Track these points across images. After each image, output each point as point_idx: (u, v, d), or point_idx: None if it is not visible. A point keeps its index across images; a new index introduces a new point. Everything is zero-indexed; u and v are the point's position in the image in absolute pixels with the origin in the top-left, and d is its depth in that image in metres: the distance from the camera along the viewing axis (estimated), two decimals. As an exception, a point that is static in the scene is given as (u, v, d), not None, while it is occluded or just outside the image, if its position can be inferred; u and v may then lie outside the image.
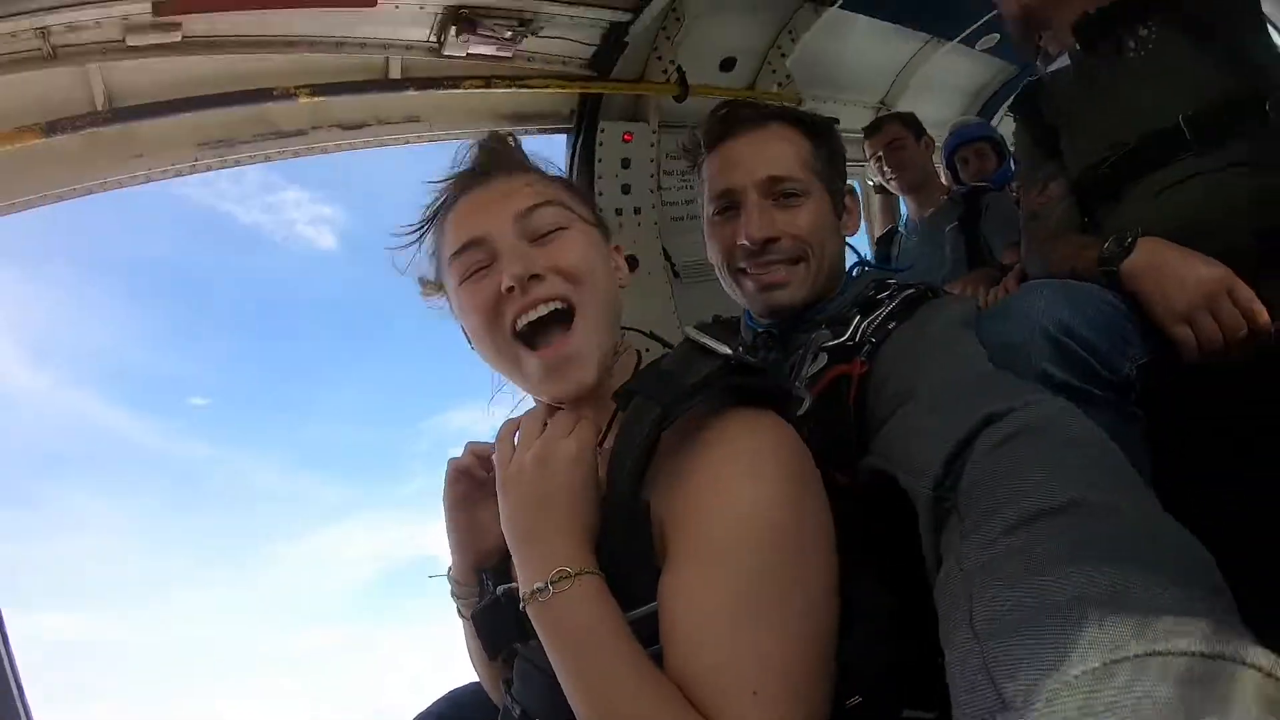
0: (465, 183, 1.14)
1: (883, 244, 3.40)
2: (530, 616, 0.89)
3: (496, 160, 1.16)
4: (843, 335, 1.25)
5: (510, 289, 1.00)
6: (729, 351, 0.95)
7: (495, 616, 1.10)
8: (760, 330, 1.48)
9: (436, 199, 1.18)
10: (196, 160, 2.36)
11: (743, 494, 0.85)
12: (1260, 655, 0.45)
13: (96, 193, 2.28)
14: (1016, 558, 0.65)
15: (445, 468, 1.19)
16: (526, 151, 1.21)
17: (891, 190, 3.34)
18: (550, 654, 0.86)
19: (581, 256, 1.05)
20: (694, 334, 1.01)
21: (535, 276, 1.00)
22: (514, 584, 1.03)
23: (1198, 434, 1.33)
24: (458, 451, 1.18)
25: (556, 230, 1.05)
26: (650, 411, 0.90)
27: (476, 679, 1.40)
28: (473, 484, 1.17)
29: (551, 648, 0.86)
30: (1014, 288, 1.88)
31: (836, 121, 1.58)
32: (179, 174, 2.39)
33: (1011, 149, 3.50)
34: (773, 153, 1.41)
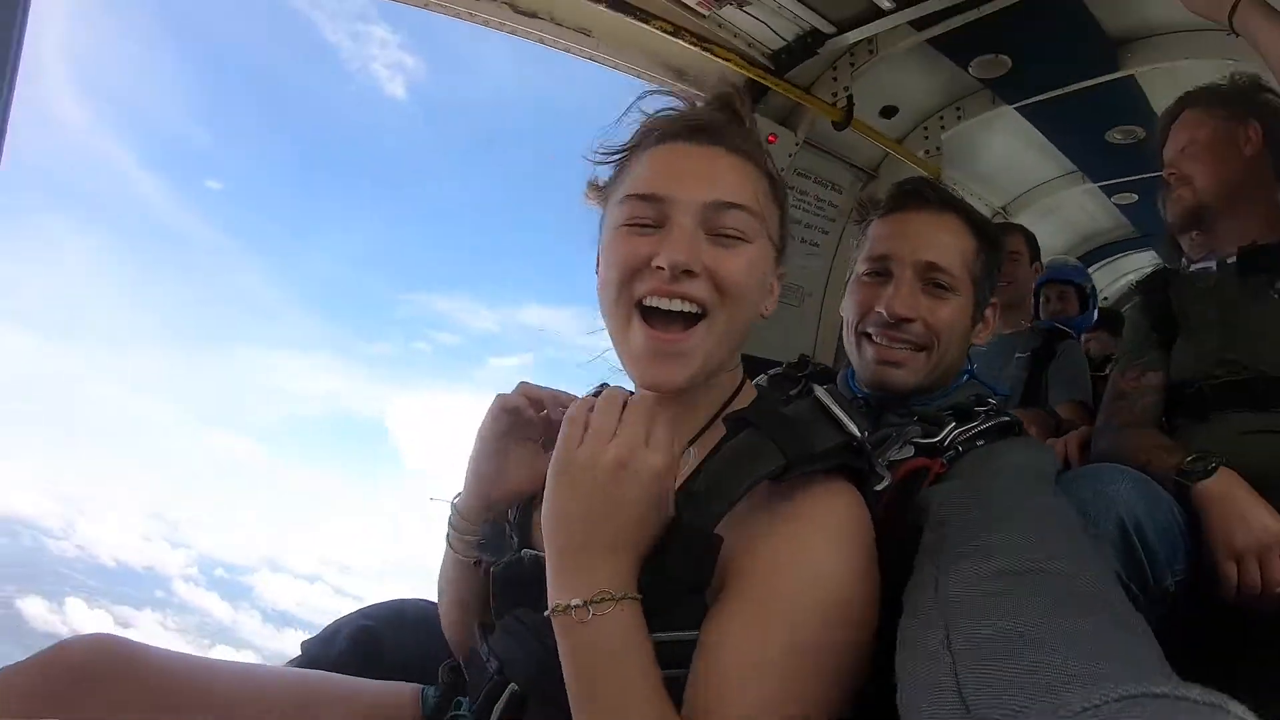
0: (681, 129, 1.07)
1: None
2: (556, 627, 0.86)
3: (724, 126, 1.09)
4: (934, 436, 1.27)
5: (660, 268, 0.96)
6: (857, 434, 0.94)
7: (517, 578, 1.08)
8: (858, 395, 1.50)
9: (647, 125, 1.11)
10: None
11: (820, 559, 0.87)
12: (1238, 707, 0.46)
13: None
14: (1000, 597, 0.68)
15: (491, 402, 1.14)
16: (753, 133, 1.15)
17: None
18: (568, 667, 0.85)
19: (745, 274, 1.01)
20: (825, 400, 0.99)
21: (689, 272, 0.96)
22: (541, 554, 0.99)
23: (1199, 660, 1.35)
24: (508, 390, 1.13)
25: (736, 238, 1.00)
26: (771, 460, 0.89)
27: (392, 599, 1.46)
28: (516, 423, 1.13)
29: (572, 663, 0.84)
30: (1075, 452, 1.89)
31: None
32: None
33: (1095, 297, 3.55)
34: (942, 241, 1.43)
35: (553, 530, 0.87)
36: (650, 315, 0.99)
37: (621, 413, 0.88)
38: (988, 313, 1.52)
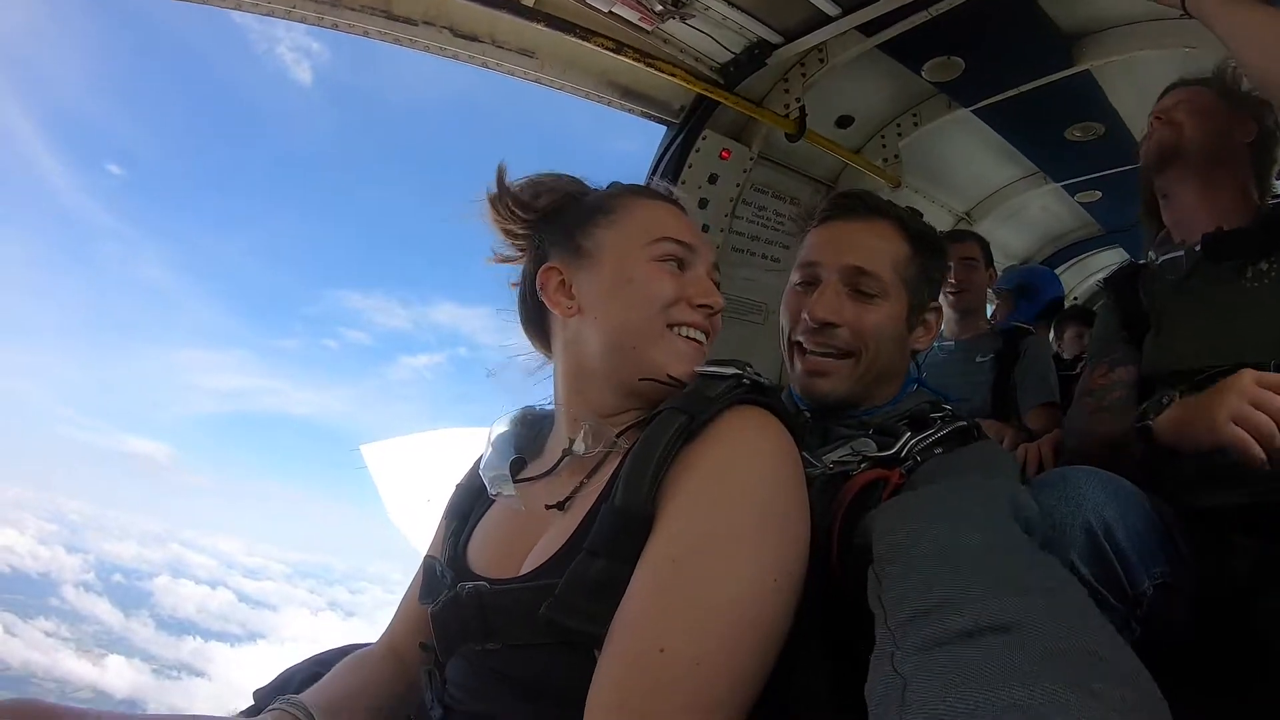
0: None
1: None
2: None
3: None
4: (890, 449, 1.28)
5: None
6: (738, 370, 1.06)
7: (457, 614, 1.06)
8: (803, 409, 1.49)
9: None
10: (294, 7, 2.18)
11: (732, 466, 0.94)
12: None
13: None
14: (952, 664, 0.67)
15: None
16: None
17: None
18: None
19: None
20: (700, 368, 1.09)
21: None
22: (479, 582, 1.05)
23: (1186, 661, 1.27)
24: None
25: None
26: (675, 419, 0.97)
27: (345, 644, 1.43)
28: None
29: None
30: (1049, 455, 1.87)
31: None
32: (271, 13, 2.20)
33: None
34: (869, 245, 1.45)
35: None
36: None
37: None
38: (929, 317, 1.51)
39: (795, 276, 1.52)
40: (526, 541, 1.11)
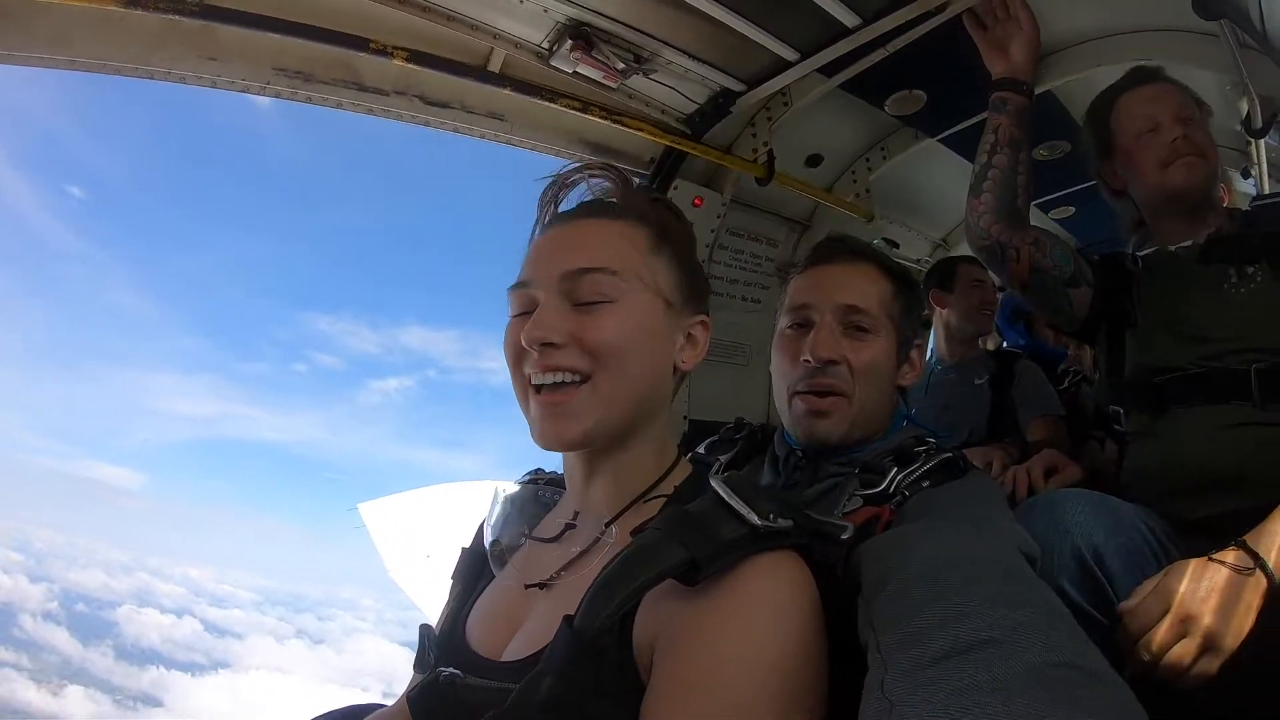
0: (549, 216, 1.17)
1: None
2: None
3: (592, 204, 1.17)
4: (878, 486, 1.30)
5: (527, 347, 1.03)
6: (758, 523, 0.90)
7: (434, 700, 1.04)
8: (795, 449, 1.52)
9: (537, 214, 1.20)
10: (268, 84, 2.23)
11: (749, 629, 0.83)
12: None
13: (158, 79, 2.15)
14: (936, 684, 0.68)
15: None
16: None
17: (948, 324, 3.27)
18: None
19: (614, 334, 1.03)
20: (723, 492, 0.94)
21: (551, 344, 1.02)
22: (454, 672, 1.03)
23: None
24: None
25: (600, 302, 1.03)
26: (673, 554, 0.86)
27: (347, 705, 1.41)
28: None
29: None
30: (1038, 478, 1.87)
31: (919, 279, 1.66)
32: (246, 89, 2.25)
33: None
34: (858, 285, 1.50)
35: None
36: (540, 391, 1.05)
37: None
38: (913, 354, 1.55)
39: (785, 322, 1.56)
40: (514, 619, 1.09)
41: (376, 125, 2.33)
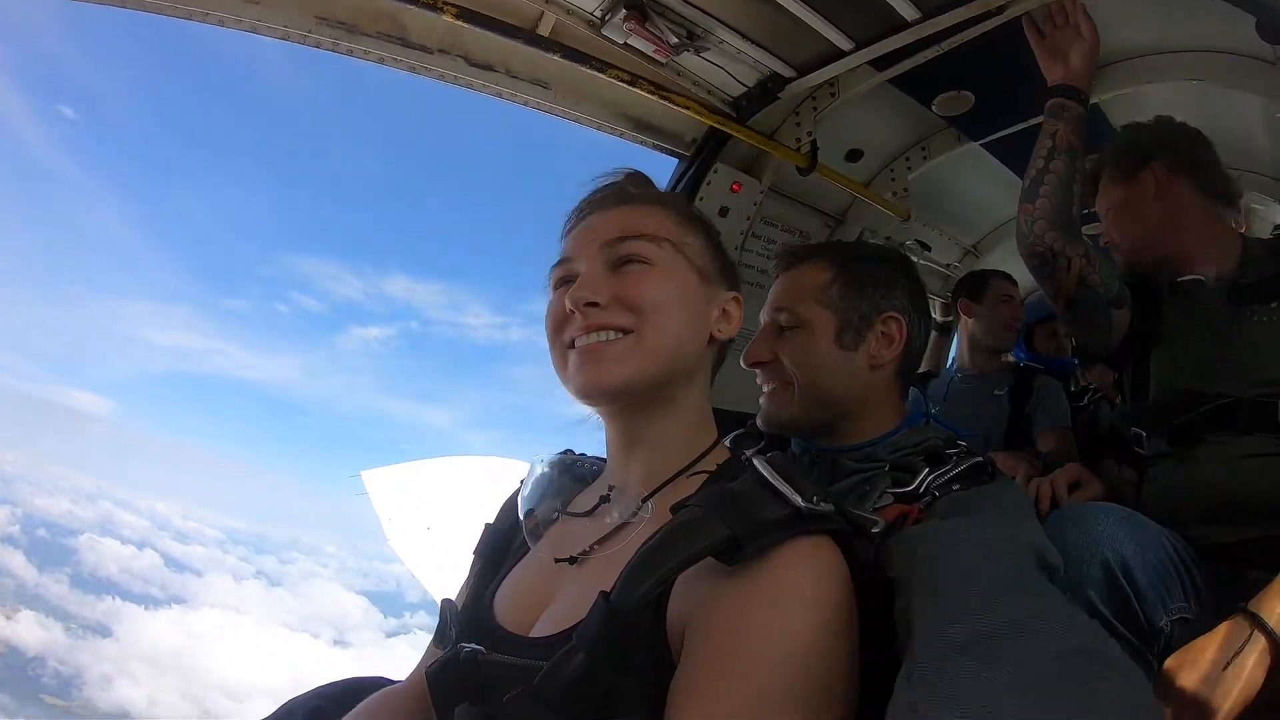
0: (585, 206, 1.22)
1: (920, 381, 3.30)
2: None
3: (621, 190, 1.23)
4: (909, 485, 1.31)
5: (571, 311, 1.08)
6: (801, 504, 0.90)
7: (452, 677, 1.04)
8: (809, 447, 1.57)
9: (570, 214, 1.25)
10: (309, 32, 2.18)
11: (787, 620, 0.84)
12: None
13: (196, 20, 2.09)
14: (957, 676, 0.71)
15: None
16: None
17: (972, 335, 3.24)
18: None
19: (653, 291, 1.09)
20: (764, 471, 0.94)
21: (593, 304, 1.07)
22: (477, 647, 1.04)
23: None
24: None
25: (636, 263, 1.10)
26: (713, 533, 0.86)
27: (348, 677, 1.45)
28: None
29: None
30: (1062, 491, 1.85)
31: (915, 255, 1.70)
32: (287, 37, 2.19)
33: None
34: (786, 288, 1.58)
35: None
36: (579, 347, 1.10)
37: None
38: (878, 327, 1.53)
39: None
40: (545, 596, 1.09)
41: (379, 72, 2.29)
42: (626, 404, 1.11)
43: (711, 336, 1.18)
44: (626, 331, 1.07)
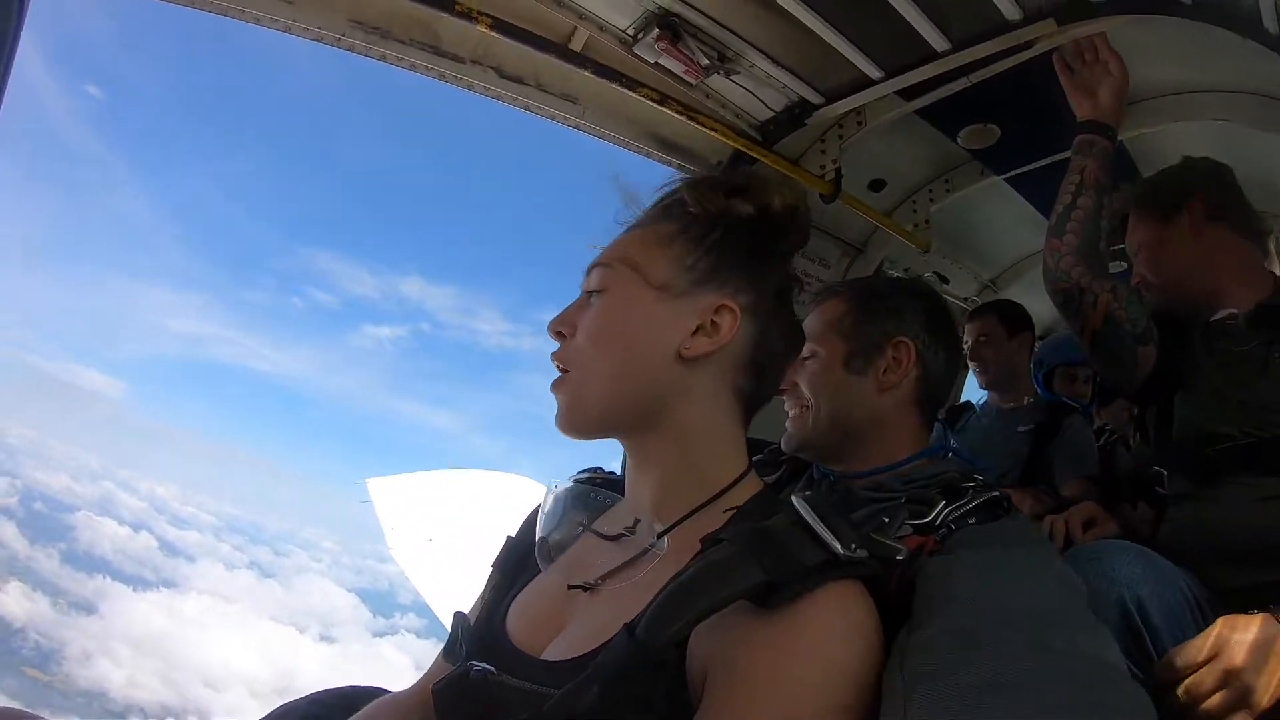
0: None
1: (951, 416, 3.23)
2: None
3: (627, 222, 1.19)
4: (925, 517, 1.26)
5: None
6: (840, 551, 0.86)
7: (459, 695, 1.01)
8: (825, 475, 1.54)
9: None
10: (343, 36, 2.19)
11: (814, 671, 0.80)
12: None
13: (232, 16, 2.11)
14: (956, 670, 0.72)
15: None
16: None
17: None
18: None
19: (589, 323, 1.07)
20: (804, 512, 0.90)
21: (559, 333, 1.10)
22: (488, 667, 1.00)
23: None
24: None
25: (595, 292, 1.09)
26: (748, 576, 0.82)
27: (343, 685, 1.42)
28: None
29: None
30: (1077, 530, 1.81)
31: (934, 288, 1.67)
32: (320, 39, 2.21)
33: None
34: (808, 328, 1.50)
35: None
36: None
37: None
38: (888, 352, 1.51)
39: None
40: (558, 618, 1.07)
41: (409, 74, 2.31)
42: (600, 435, 1.10)
43: (680, 354, 1.04)
44: (566, 370, 1.09)
